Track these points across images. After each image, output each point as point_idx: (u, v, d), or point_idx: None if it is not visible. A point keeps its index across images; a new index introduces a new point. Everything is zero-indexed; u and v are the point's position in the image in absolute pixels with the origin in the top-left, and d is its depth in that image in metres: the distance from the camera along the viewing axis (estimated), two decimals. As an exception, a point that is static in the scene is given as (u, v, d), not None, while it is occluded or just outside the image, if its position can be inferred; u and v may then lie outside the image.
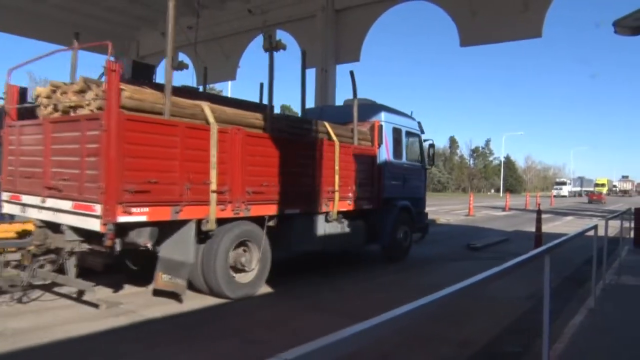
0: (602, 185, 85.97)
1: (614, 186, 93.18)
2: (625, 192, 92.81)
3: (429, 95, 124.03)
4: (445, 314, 2.54)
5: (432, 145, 12.05)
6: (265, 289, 7.35)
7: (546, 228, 14.70)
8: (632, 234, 12.70)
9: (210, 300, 6.70)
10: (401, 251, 10.39)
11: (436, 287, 2.09)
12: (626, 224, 12.34)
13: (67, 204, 5.87)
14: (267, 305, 6.79)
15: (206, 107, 6.60)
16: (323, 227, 8.41)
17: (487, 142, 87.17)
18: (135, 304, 6.34)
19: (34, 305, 6.15)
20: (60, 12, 17.02)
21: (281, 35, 17.42)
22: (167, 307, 6.23)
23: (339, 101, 14.52)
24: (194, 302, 6.53)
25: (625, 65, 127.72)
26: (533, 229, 13.77)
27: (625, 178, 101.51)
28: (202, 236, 6.49)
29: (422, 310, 1.89)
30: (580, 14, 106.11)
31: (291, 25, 17.49)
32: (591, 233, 6.30)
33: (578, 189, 79.42)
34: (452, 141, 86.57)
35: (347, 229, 8.86)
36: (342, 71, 16.93)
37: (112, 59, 5.62)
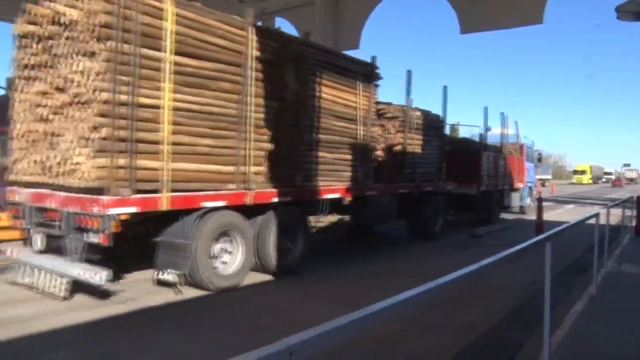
0: (582, 172, 79.16)
1: (607, 173, 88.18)
2: (631, 180, 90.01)
3: (428, 81, 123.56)
4: (448, 300, 2.58)
5: (539, 153, 23.79)
6: (264, 277, 7.39)
7: (547, 216, 14.68)
8: (633, 223, 12.62)
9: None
10: (526, 208, 19.65)
11: (440, 274, 2.12)
12: (628, 212, 12.28)
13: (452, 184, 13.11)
14: (269, 293, 6.81)
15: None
16: (511, 195, 17.65)
17: (487, 129, 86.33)
18: (136, 292, 6.33)
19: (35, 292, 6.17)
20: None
21: (280, 22, 17.24)
22: (167, 296, 6.24)
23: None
24: (195, 290, 6.56)
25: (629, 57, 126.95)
26: (534, 217, 13.91)
27: (627, 166, 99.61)
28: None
29: (425, 296, 1.93)
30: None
31: (290, 12, 17.31)
32: (593, 221, 6.34)
33: None
34: (453, 129, 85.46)
35: (515, 197, 18.21)
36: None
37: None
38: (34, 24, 6.12)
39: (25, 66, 6.24)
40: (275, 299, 6.50)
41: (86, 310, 5.60)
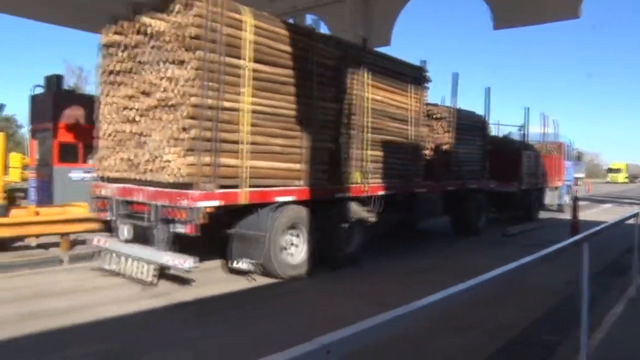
0: (617, 170, 73.90)
1: None
2: None
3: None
4: (482, 300, 2.51)
5: (579, 151, 24.79)
6: (322, 268, 7.63)
7: (583, 215, 14.32)
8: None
9: (260, 281, 7.00)
10: (564, 206, 19.62)
11: (474, 274, 2.13)
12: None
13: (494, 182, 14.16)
14: (320, 286, 7.07)
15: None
16: (550, 193, 18.17)
17: (521, 127, 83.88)
18: (177, 285, 6.55)
19: (89, 283, 6.62)
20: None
21: (310, 19, 17.43)
22: (229, 285, 6.62)
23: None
24: (242, 283, 6.85)
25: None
26: (569, 217, 13.70)
27: None
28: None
29: (466, 294, 1.93)
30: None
31: (320, 9, 17.42)
32: (632, 221, 6.19)
33: None
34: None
35: (554, 195, 18.78)
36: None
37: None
38: (120, 34, 6.71)
39: (111, 72, 6.85)
40: (324, 292, 6.70)
41: (147, 299, 5.91)
